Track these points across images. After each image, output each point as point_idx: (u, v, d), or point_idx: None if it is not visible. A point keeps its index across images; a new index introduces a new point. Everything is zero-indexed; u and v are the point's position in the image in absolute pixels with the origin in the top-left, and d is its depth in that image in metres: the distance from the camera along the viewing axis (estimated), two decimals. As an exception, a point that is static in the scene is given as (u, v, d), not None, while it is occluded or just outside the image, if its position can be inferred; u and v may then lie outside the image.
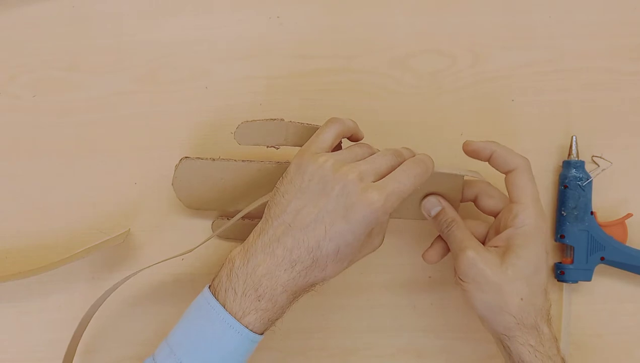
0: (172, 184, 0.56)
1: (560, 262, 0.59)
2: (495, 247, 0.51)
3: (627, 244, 0.58)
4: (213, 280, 0.49)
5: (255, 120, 0.54)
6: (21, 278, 0.57)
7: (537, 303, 0.49)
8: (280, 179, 0.49)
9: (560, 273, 0.58)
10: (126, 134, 0.60)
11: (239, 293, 0.46)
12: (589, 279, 0.58)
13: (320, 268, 0.47)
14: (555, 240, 0.59)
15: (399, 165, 0.48)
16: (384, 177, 0.47)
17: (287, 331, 0.59)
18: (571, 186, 0.57)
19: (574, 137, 0.58)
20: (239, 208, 0.56)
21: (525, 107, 0.60)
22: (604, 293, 0.60)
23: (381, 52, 0.60)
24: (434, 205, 0.54)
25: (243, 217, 0.55)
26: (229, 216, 0.58)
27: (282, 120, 0.54)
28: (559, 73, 0.60)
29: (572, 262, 0.58)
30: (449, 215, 0.53)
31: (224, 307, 0.46)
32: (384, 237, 0.53)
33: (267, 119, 0.54)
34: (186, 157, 0.56)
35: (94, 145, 0.60)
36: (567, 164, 0.58)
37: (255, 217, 0.56)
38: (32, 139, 0.60)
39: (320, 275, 0.47)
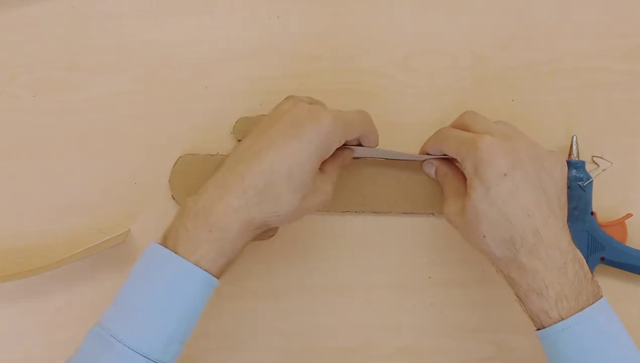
0: (169, 181, 0.57)
1: None
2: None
3: (627, 244, 0.58)
4: (161, 237, 0.48)
5: (253, 116, 0.55)
6: (21, 278, 0.57)
7: (507, 236, 0.48)
8: None
9: None
10: (126, 134, 0.60)
11: (190, 228, 0.45)
12: None
13: (274, 196, 0.46)
14: None
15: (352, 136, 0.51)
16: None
17: (287, 331, 0.59)
18: (572, 186, 0.57)
19: (574, 137, 0.58)
20: None
21: (525, 107, 0.60)
22: (604, 293, 0.59)
23: (381, 52, 0.60)
24: (430, 167, 0.57)
25: None
26: None
27: None
28: (559, 73, 0.60)
29: None
30: (441, 171, 0.56)
31: (175, 251, 0.45)
32: (334, 187, 0.52)
33: (264, 114, 0.54)
34: (185, 154, 0.57)
35: (94, 145, 0.60)
36: (567, 164, 0.58)
37: None
38: (32, 139, 0.60)
39: (273, 207, 0.47)
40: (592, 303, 0.47)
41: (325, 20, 0.60)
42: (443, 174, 0.56)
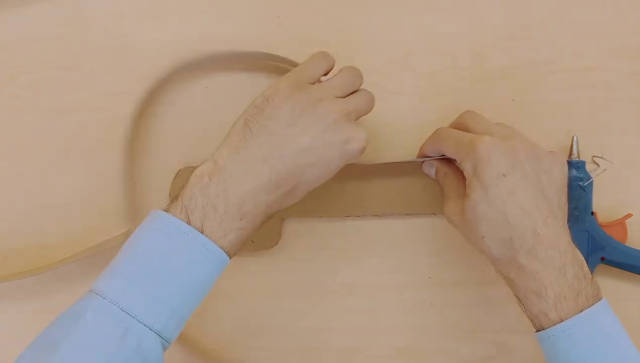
0: (170, 195, 0.57)
1: None
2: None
3: (627, 244, 0.58)
4: (172, 202, 0.45)
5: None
6: (21, 278, 0.57)
7: (506, 236, 0.48)
8: (262, 99, 0.48)
9: None
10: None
11: (220, 210, 0.44)
12: None
13: (296, 195, 0.48)
14: None
15: (371, 107, 0.52)
16: (362, 115, 0.51)
17: (287, 331, 0.59)
18: (572, 186, 0.57)
19: (574, 137, 0.58)
20: None
21: (525, 107, 0.60)
22: (604, 293, 0.59)
23: (381, 52, 0.60)
24: (430, 168, 0.57)
25: None
26: None
27: None
28: (559, 73, 0.60)
29: None
30: (441, 172, 0.56)
31: (202, 229, 0.44)
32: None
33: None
34: (184, 167, 0.57)
35: (93, 145, 0.59)
36: (567, 164, 0.58)
37: None
38: (32, 139, 0.60)
39: (291, 202, 0.48)
40: (592, 305, 0.47)
41: (325, 20, 0.60)
42: (443, 174, 0.56)
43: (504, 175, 0.48)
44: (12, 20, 0.60)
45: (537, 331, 0.48)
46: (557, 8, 0.60)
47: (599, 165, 0.59)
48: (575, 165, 0.58)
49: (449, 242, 0.59)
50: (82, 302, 0.43)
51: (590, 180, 0.57)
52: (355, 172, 0.58)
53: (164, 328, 0.43)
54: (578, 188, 0.57)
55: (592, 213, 0.58)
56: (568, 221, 0.56)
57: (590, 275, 0.49)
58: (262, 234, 0.57)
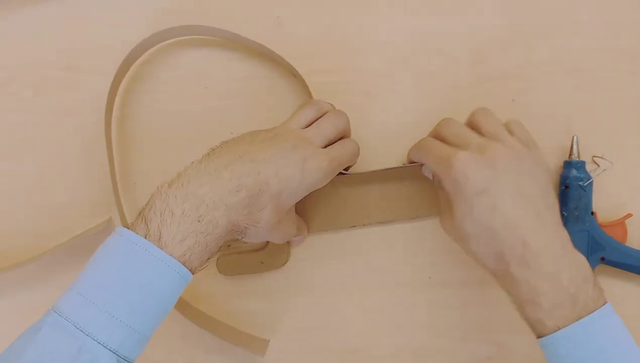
0: None
1: None
2: None
3: (627, 244, 0.58)
4: (136, 218, 0.44)
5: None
6: (6, 272, 0.57)
7: (496, 250, 0.48)
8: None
9: None
10: (126, 134, 0.60)
11: (177, 213, 0.43)
12: None
13: (261, 206, 0.46)
14: None
15: (343, 126, 0.53)
16: (328, 139, 0.52)
17: (287, 331, 0.59)
18: (572, 187, 0.57)
19: (575, 137, 0.58)
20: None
21: (525, 107, 0.60)
22: (604, 293, 0.60)
23: (381, 52, 0.60)
24: (428, 171, 0.57)
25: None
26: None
27: None
28: (559, 73, 0.60)
29: None
30: (435, 180, 0.56)
31: (159, 236, 0.42)
32: (295, 229, 0.54)
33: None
34: None
35: (93, 145, 0.59)
36: (567, 164, 0.58)
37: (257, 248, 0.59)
38: (32, 139, 0.60)
39: (257, 216, 0.47)
40: (593, 311, 0.45)
41: (325, 20, 0.60)
42: (437, 182, 0.55)
43: (483, 191, 0.48)
44: (13, 20, 0.60)
45: (538, 337, 0.47)
46: (557, 8, 0.60)
47: (599, 165, 0.59)
48: (575, 165, 0.58)
49: (449, 242, 0.59)
50: (42, 318, 0.42)
51: (590, 180, 0.57)
52: (355, 180, 0.58)
53: (120, 346, 0.41)
54: (578, 188, 0.57)
55: (592, 213, 0.58)
56: (568, 221, 0.56)
57: (592, 277, 0.47)
58: (271, 254, 0.57)
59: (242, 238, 0.48)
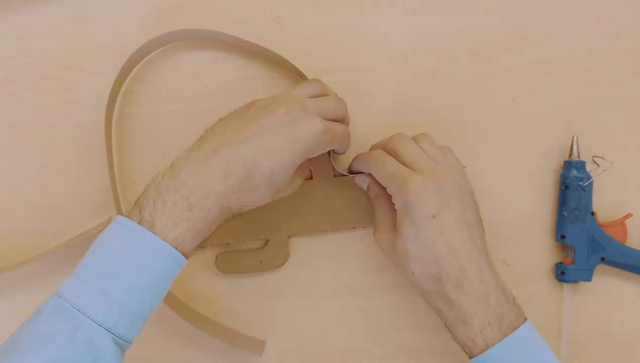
0: None
1: (561, 262, 0.59)
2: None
3: (627, 244, 0.58)
4: (133, 206, 0.47)
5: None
6: (6, 272, 0.57)
7: (435, 273, 0.50)
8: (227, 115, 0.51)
9: (561, 274, 0.58)
10: (126, 134, 0.60)
11: (169, 203, 0.45)
12: (589, 279, 0.58)
13: (252, 187, 0.47)
14: (557, 240, 0.59)
15: (342, 110, 0.53)
16: (325, 115, 0.50)
17: (287, 331, 0.59)
18: (572, 186, 0.57)
19: (575, 137, 0.58)
20: (241, 238, 0.58)
21: (525, 107, 0.60)
22: (604, 293, 0.60)
23: (381, 52, 0.60)
24: (363, 181, 0.57)
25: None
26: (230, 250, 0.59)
27: None
28: (559, 73, 0.60)
29: (573, 262, 0.57)
30: (373, 192, 0.56)
31: (152, 223, 0.44)
32: (303, 180, 0.55)
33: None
34: None
35: (93, 145, 0.59)
36: (567, 165, 0.58)
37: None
38: (32, 138, 0.60)
39: (250, 198, 0.48)
40: (517, 328, 0.49)
41: (324, 20, 0.60)
42: (375, 195, 0.56)
43: (434, 216, 0.50)
44: (13, 20, 0.60)
45: (470, 358, 0.50)
46: (557, 8, 0.60)
47: (599, 165, 0.59)
48: (575, 165, 0.58)
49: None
50: (46, 301, 0.45)
51: (590, 180, 0.57)
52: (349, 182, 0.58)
53: (115, 325, 0.43)
54: (578, 188, 0.57)
55: (592, 213, 0.58)
56: (568, 221, 0.57)
57: (512, 297, 0.51)
58: (270, 253, 0.57)
59: (241, 215, 0.49)
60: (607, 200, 0.59)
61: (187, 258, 0.46)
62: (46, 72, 0.60)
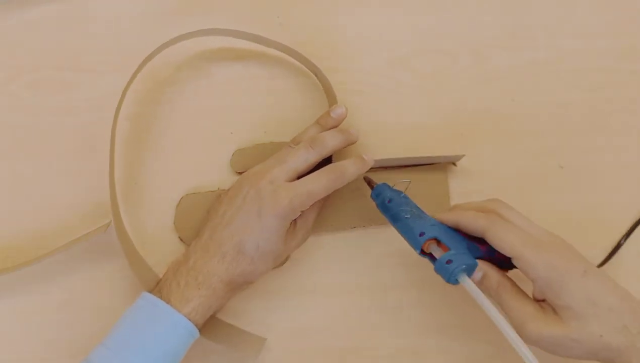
0: (174, 223, 0.57)
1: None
2: (542, 300, 0.48)
3: None
4: (156, 285, 0.53)
5: (249, 147, 0.58)
6: (6, 274, 0.57)
7: (618, 324, 0.46)
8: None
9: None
10: (126, 134, 0.60)
11: (182, 284, 0.51)
12: None
13: (248, 261, 0.52)
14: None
15: (320, 158, 0.54)
16: (301, 172, 0.54)
17: (287, 331, 0.59)
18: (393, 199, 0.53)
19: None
20: None
21: (525, 107, 0.60)
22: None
23: (381, 52, 0.60)
24: (477, 274, 0.50)
25: None
26: None
27: (272, 143, 0.58)
28: (559, 73, 0.60)
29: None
30: (493, 280, 0.49)
31: (169, 301, 0.50)
32: (309, 232, 0.57)
33: (258, 144, 0.58)
34: (186, 195, 0.58)
35: (94, 145, 0.60)
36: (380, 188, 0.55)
37: None
38: (32, 138, 0.60)
39: (250, 268, 0.53)
40: None
41: (324, 20, 0.60)
42: (497, 283, 0.49)
43: (585, 270, 0.47)
44: (13, 20, 0.60)
45: None
46: (557, 8, 0.60)
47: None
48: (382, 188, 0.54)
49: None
50: None
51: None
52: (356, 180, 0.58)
53: None
54: (401, 195, 0.54)
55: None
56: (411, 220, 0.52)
57: None
58: None
59: (251, 282, 0.55)
60: (607, 200, 0.59)
61: (199, 329, 0.51)
62: (46, 72, 0.60)
